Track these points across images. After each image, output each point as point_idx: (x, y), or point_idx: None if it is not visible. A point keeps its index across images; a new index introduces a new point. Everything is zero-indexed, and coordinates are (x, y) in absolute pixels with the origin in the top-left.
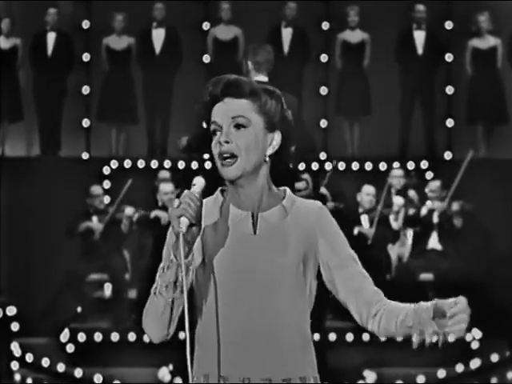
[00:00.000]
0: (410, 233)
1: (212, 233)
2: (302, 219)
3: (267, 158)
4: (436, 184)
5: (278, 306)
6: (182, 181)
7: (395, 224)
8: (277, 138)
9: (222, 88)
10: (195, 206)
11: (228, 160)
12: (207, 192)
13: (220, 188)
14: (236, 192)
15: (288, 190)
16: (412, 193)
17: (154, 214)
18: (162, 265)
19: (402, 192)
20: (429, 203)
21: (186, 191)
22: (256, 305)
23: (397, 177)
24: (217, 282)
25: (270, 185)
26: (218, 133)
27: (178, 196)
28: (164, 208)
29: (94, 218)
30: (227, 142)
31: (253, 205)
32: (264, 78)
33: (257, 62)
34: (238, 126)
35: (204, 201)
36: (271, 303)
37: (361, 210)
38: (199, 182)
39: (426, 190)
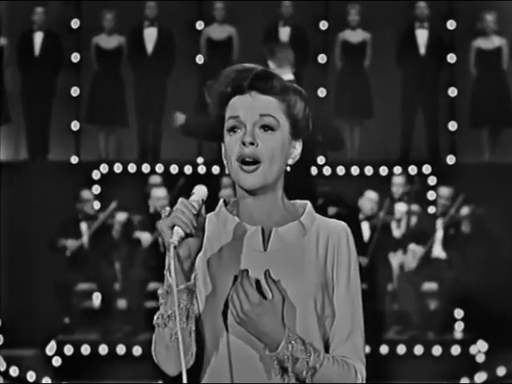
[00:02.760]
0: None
1: (217, 252)
2: (322, 240)
3: (288, 169)
4: (447, 191)
5: None
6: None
7: (397, 232)
8: (298, 147)
9: (250, 79)
10: (190, 213)
11: (249, 166)
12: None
13: (222, 200)
14: (245, 204)
15: (309, 204)
16: (415, 207)
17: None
18: (160, 290)
19: (405, 199)
20: (432, 209)
21: (180, 199)
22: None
23: (397, 185)
24: (221, 307)
25: (284, 200)
26: (239, 131)
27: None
28: (157, 214)
29: (83, 224)
30: (252, 144)
31: (264, 218)
32: (290, 76)
33: (278, 59)
34: (265, 128)
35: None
36: None
37: (361, 217)
38: (199, 191)
39: (435, 195)
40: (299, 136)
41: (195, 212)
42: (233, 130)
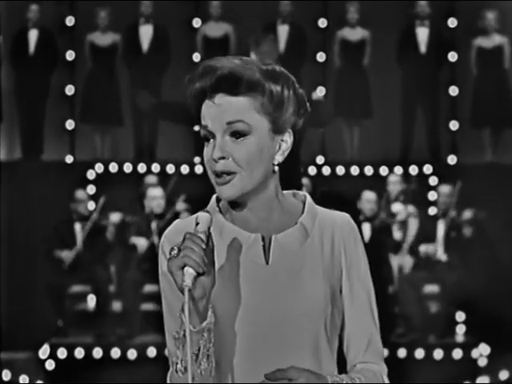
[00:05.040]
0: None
1: (218, 272)
2: (327, 239)
3: (276, 168)
4: (447, 189)
5: (302, 364)
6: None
7: (398, 233)
8: (287, 138)
9: (212, 83)
10: (200, 250)
11: (224, 177)
12: (199, 204)
13: (215, 197)
14: (237, 209)
15: (308, 197)
16: (411, 208)
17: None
18: (176, 335)
19: (402, 199)
20: (433, 210)
21: (186, 234)
22: (275, 364)
23: (393, 183)
24: (224, 331)
25: (280, 198)
26: (211, 140)
27: (170, 202)
28: (152, 215)
29: (77, 225)
30: (223, 158)
31: (262, 224)
32: None
33: (263, 52)
34: (235, 135)
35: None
36: (293, 361)
37: (362, 218)
38: (203, 219)
39: (436, 196)
40: (285, 128)
41: (204, 246)
42: (206, 139)
